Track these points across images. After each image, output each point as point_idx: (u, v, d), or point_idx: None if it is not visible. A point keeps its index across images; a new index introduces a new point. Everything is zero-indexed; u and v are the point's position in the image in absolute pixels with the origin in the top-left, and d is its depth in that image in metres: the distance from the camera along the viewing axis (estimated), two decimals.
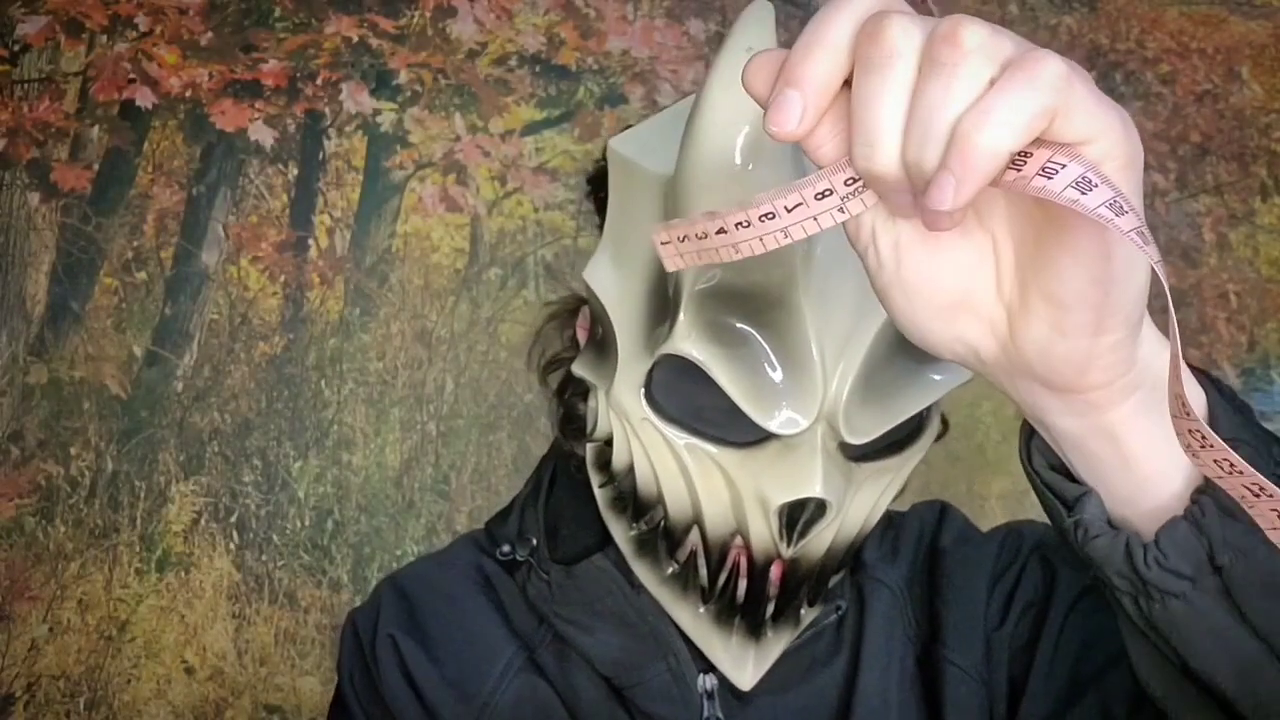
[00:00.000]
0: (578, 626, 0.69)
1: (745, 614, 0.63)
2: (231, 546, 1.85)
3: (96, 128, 1.96)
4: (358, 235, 1.99)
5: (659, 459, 0.62)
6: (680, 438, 0.60)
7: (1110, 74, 2.11)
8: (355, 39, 2.00)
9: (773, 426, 0.58)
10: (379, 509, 1.89)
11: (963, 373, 0.60)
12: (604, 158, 0.66)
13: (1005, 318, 0.39)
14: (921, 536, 0.76)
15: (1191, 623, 0.43)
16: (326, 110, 2.00)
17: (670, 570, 0.65)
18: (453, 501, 1.90)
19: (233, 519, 1.86)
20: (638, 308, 0.62)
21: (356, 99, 1.99)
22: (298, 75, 1.99)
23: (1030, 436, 0.46)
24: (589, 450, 0.69)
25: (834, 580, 0.67)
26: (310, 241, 1.99)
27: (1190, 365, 0.43)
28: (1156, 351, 0.42)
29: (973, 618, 0.70)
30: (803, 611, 0.65)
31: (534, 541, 0.72)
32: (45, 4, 1.96)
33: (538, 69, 2.03)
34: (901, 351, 0.59)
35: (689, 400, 0.60)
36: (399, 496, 1.89)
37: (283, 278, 1.97)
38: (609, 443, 0.65)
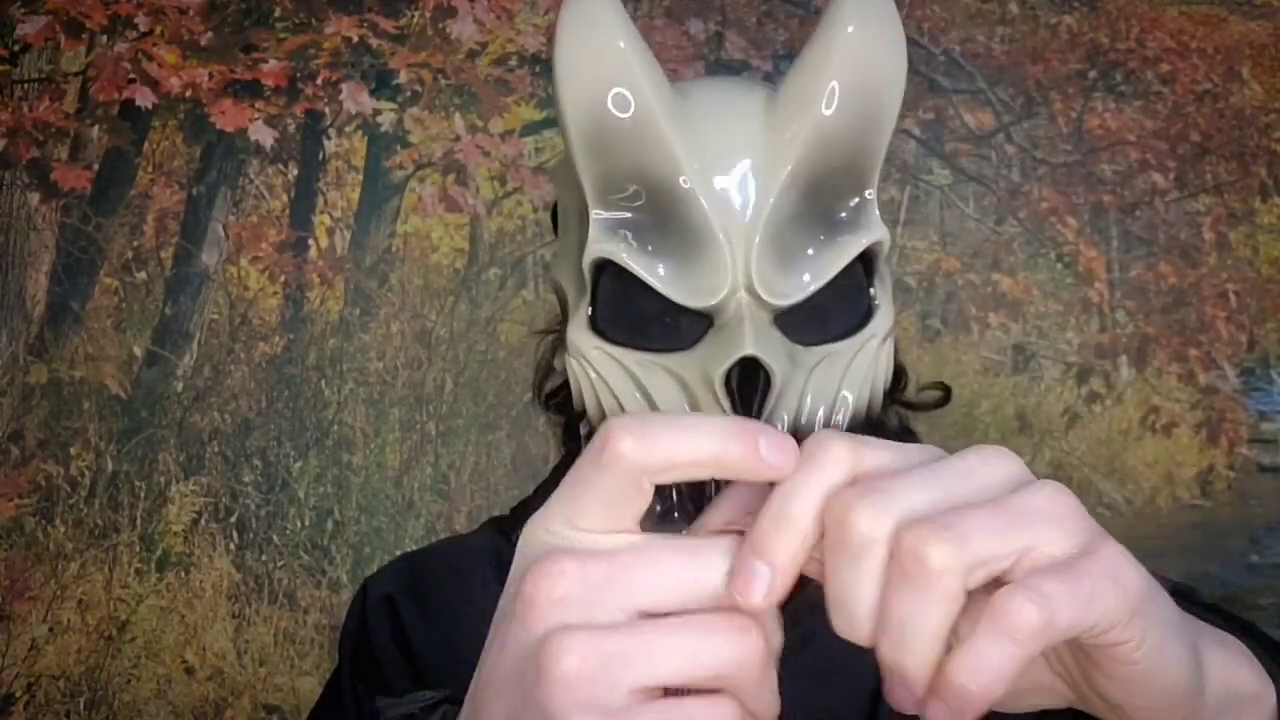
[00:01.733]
0: None
1: None
2: (231, 546, 1.85)
3: (96, 128, 1.96)
4: (358, 235, 1.99)
5: (617, 384, 0.65)
6: (630, 356, 0.64)
7: (1110, 73, 2.11)
8: (355, 39, 2.00)
9: (692, 302, 0.61)
10: (379, 509, 1.89)
11: (874, 231, 0.65)
12: None
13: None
14: None
15: None
16: (326, 110, 2.00)
17: (657, 509, 0.65)
18: (452, 501, 1.90)
19: (233, 519, 1.86)
20: (574, 260, 0.67)
21: (356, 99, 1.99)
22: (298, 75, 1.99)
23: None
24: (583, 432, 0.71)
25: None
26: (310, 241, 1.99)
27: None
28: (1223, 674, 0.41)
29: None
30: None
31: None
32: (45, 4, 1.96)
33: (538, 69, 2.03)
34: (809, 215, 0.63)
35: (628, 316, 0.64)
36: (399, 496, 1.89)
37: (283, 278, 1.97)
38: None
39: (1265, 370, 2.05)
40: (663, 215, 0.62)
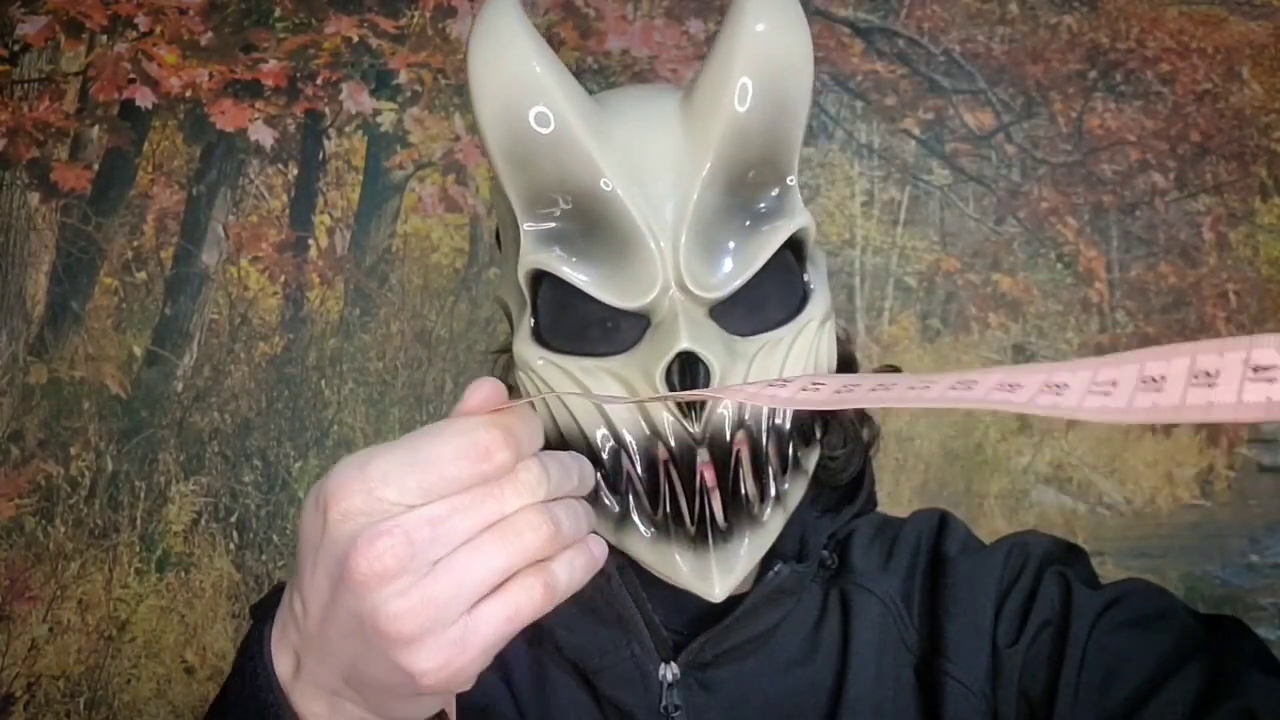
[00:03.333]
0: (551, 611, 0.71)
1: (695, 521, 0.63)
2: (231, 546, 1.85)
3: (96, 128, 1.96)
4: (358, 235, 1.99)
5: (563, 390, 0.65)
6: (574, 363, 0.65)
7: (1110, 73, 2.11)
8: (355, 39, 2.00)
9: (626, 303, 0.63)
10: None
11: (798, 216, 0.66)
12: None
13: None
14: (919, 546, 0.75)
15: None
16: (326, 110, 2.00)
17: (618, 510, 0.65)
18: None
19: (233, 519, 1.86)
20: (513, 275, 0.68)
21: (356, 99, 1.99)
22: (298, 75, 1.99)
23: None
24: None
25: (790, 484, 0.67)
26: (310, 241, 1.99)
27: None
28: None
29: (977, 632, 0.69)
30: (757, 510, 0.65)
31: None
32: (45, 4, 1.96)
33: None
34: (732, 208, 0.64)
35: (570, 327, 0.65)
36: None
37: (283, 278, 1.97)
38: None
39: None
40: (590, 221, 0.63)
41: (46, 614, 1.80)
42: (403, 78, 2.01)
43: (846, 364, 0.75)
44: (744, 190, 0.64)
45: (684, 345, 0.60)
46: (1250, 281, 2.07)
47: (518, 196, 0.63)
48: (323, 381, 1.93)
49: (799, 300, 0.67)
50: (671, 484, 0.63)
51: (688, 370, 0.60)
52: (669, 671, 0.69)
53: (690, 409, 0.61)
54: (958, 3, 2.10)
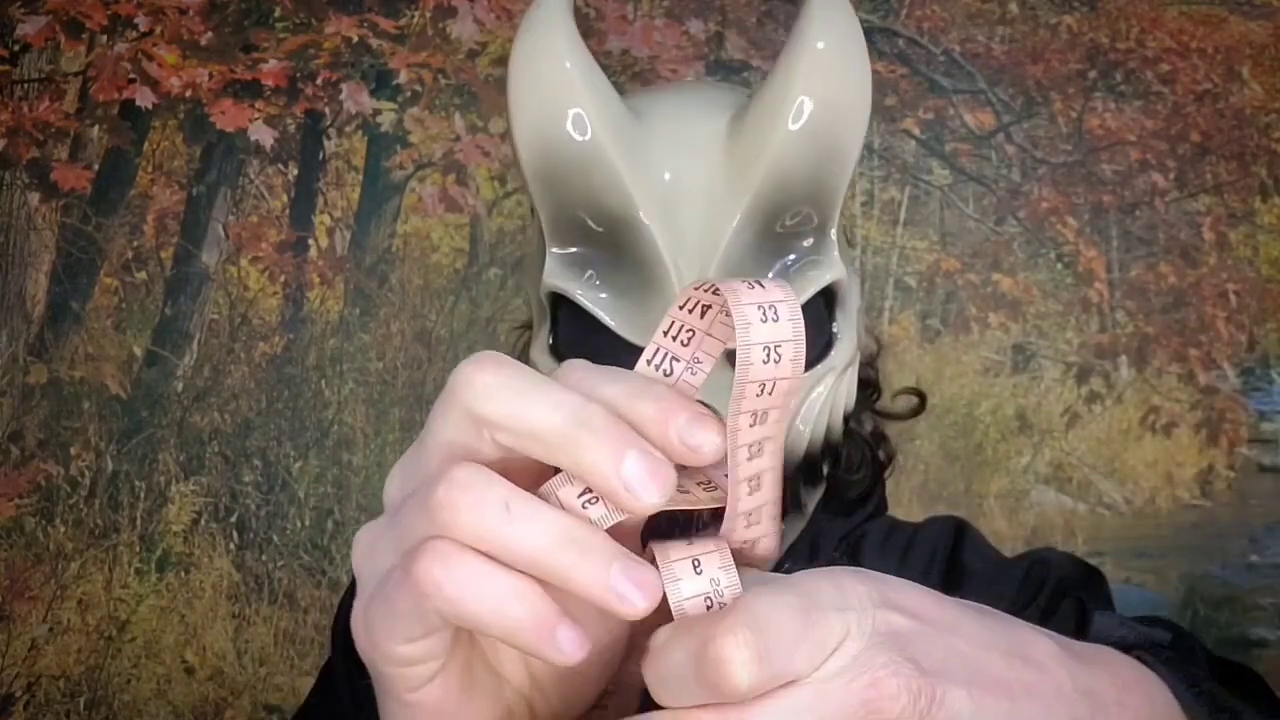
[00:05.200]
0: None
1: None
2: (231, 546, 1.85)
3: (96, 128, 1.96)
4: (358, 235, 1.99)
5: None
6: None
7: (1110, 73, 2.11)
8: (355, 39, 2.00)
9: (643, 342, 0.60)
10: (379, 509, 1.88)
11: (831, 269, 0.63)
12: None
13: None
14: (935, 553, 0.75)
15: None
16: (326, 110, 2.00)
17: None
18: None
19: (233, 519, 1.86)
20: (538, 269, 0.66)
21: (356, 99, 1.99)
22: (298, 75, 1.99)
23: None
24: None
25: (808, 493, 0.67)
26: (310, 241, 1.99)
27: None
28: None
29: None
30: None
31: None
32: (45, 4, 1.96)
33: None
34: (765, 251, 0.62)
35: (586, 343, 0.63)
36: None
37: (283, 278, 1.97)
38: None
39: (1265, 370, 2.05)
40: (616, 249, 0.61)
41: (46, 614, 1.80)
42: (403, 78, 2.01)
43: (868, 387, 0.75)
44: (779, 236, 0.62)
45: (698, 396, 0.59)
46: (1250, 281, 2.07)
47: (547, 218, 0.62)
48: (323, 381, 1.93)
49: (822, 347, 0.66)
50: (669, 514, 0.63)
51: None
52: None
53: None
54: (958, 3, 2.10)
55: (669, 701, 0.31)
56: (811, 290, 0.63)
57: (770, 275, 0.61)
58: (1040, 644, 0.37)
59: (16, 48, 1.97)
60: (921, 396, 0.75)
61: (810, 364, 0.65)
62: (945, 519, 0.78)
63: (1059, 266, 2.07)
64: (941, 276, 2.07)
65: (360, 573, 0.36)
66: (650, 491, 0.31)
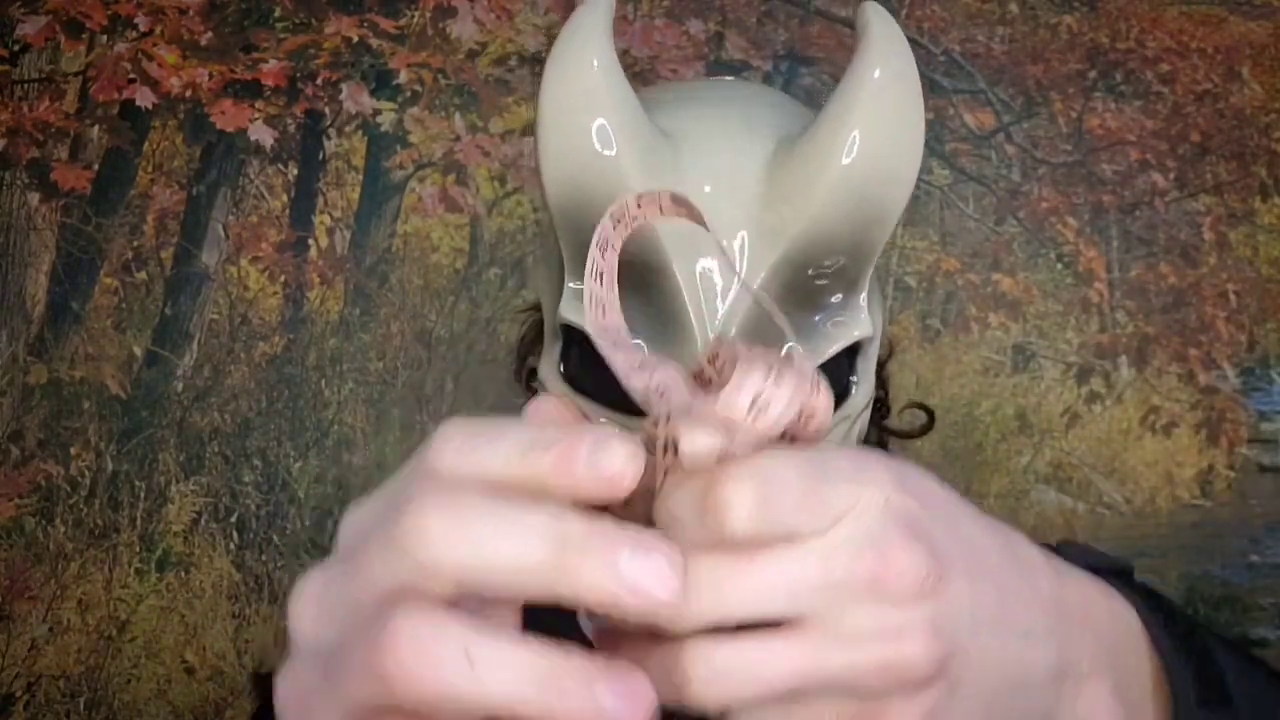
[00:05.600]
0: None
1: None
2: (231, 546, 1.85)
3: (96, 128, 1.96)
4: (358, 235, 1.99)
5: None
6: (593, 409, 0.61)
7: (1110, 73, 2.11)
8: (355, 39, 2.00)
9: None
10: None
11: (860, 326, 0.60)
12: None
13: None
14: None
15: None
16: (326, 110, 2.00)
17: None
18: None
19: (233, 519, 1.86)
20: (553, 291, 0.64)
21: (356, 99, 1.99)
22: (298, 75, 1.99)
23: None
24: None
25: None
26: (310, 241, 1.99)
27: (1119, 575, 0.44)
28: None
29: None
30: None
31: None
32: (45, 4, 1.96)
33: (538, 69, 2.03)
34: (791, 305, 0.58)
35: (597, 378, 0.59)
36: None
37: (283, 278, 1.97)
38: None
39: (1265, 370, 2.05)
40: (635, 286, 0.57)
41: (46, 614, 1.80)
42: (403, 78, 2.01)
43: (879, 405, 0.73)
44: (809, 289, 0.58)
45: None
46: (1250, 281, 2.07)
47: (568, 253, 0.58)
48: (323, 381, 1.93)
49: (838, 395, 0.62)
50: None
51: None
52: None
53: None
54: (958, 3, 2.10)
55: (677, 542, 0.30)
56: (835, 348, 0.59)
57: (797, 334, 0.57)
58: (1029, 550, 0.38)
59: (16, 48, 1.97)
60: (930, 414, 0.74)
61: None
62: None
63: (1059, 266, 2.07)
64: (941, 276, 2.07)
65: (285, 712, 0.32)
66: (659, 585, 0.28)
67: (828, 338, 0.59)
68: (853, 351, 0.63)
